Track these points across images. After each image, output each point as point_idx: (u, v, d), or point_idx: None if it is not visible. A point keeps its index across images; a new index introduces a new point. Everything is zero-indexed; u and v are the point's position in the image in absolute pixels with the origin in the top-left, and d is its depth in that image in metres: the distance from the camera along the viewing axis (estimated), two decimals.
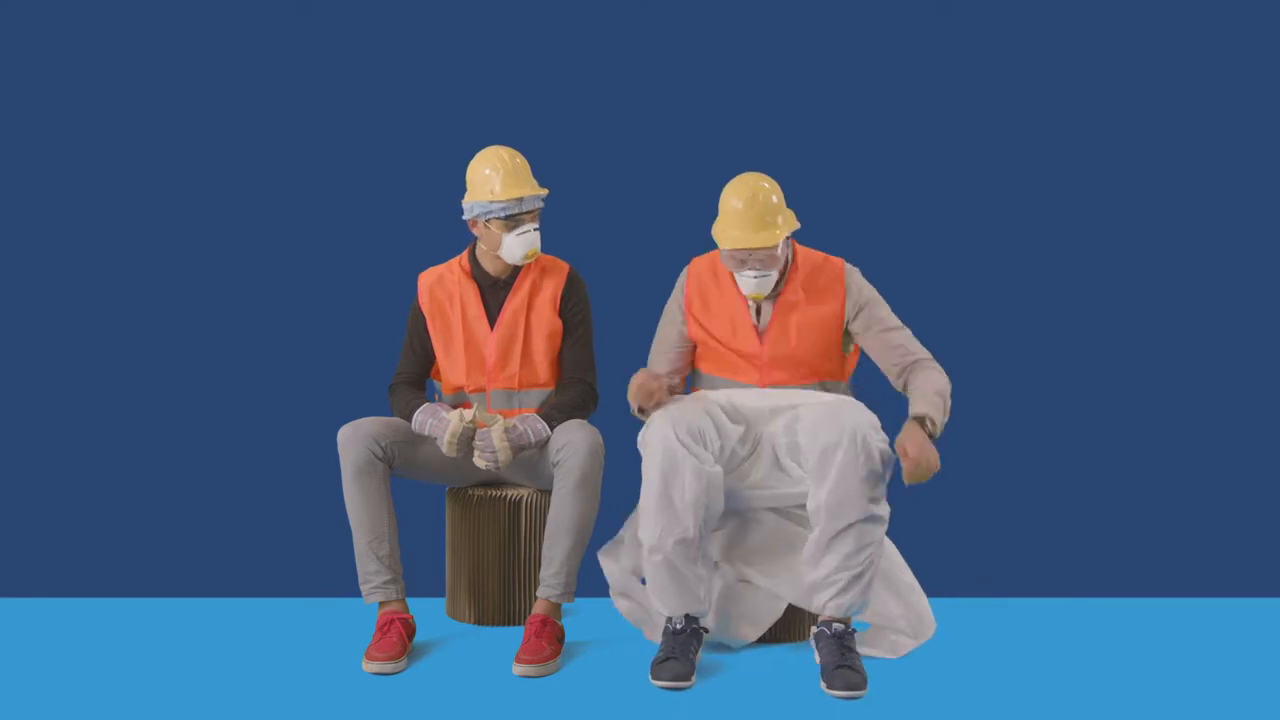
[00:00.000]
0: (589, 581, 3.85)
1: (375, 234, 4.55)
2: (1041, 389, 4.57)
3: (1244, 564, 4.41)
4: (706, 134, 4.62)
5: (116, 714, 3.28)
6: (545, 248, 3.95)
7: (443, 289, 3.94)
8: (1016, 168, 4.59)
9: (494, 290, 3.92)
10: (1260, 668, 3.62)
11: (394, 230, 4.49)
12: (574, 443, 3.69)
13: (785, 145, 4.53)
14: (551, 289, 3.92)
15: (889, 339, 3.75)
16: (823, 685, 3.42)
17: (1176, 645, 3.81)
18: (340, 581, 3.96)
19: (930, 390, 3.64)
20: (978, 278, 4.59)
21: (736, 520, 3.72)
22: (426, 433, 3.80)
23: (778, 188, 3.72)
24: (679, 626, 3.56)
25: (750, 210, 3.65)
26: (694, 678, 3.49)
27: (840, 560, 3.48)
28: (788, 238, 3.74)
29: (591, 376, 3.95)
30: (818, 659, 3.52)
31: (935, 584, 4.26)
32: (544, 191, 3.84)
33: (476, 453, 3.76)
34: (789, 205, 3.74)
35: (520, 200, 3.78)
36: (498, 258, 3.88)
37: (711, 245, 3.81)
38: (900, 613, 3.71)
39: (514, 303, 3.90)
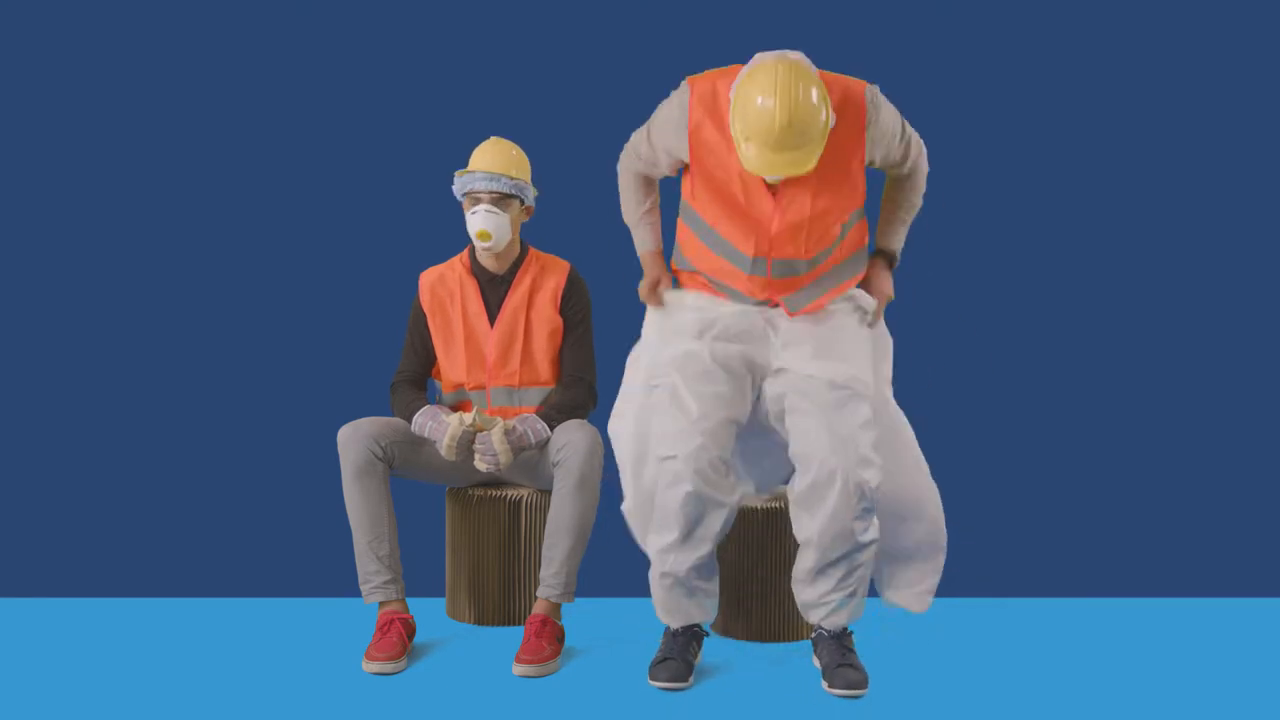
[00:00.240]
0: (589, 581, 3.85)
1: (376, 234, 4.54)
2: (1041, 389, 4.57)
3: (1244, 564, 4.41)
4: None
5: (116, 714, 3.28)
6: (544, 246, 3.96)
7: (443, 286, 3.95)
8: (1018, 168, 4.59)
9: (494, 287, 3.93)
10: (1260, 668, 3.62)
11: (395, 230, 4.49)
12: (573, 443, 3.69)
13: None
14: (552, 287, 3.93)
15: (893, 146, 3.43)
16: (824, 684, 3.42)
17: (1176, 645, 3.81)
18: (340, 581, 3.95)
19: (906, 214, 3.56)
20: (977, 278, 4.59)
21: None
22: (426, 435, 3.81)
23: (817, 79, 3.14)
24: (678, 629, 3.56)
25: (790, 129, 3.06)
26: (692, 678, 3.49)
27: (833, 585, 3.46)
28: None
29: (591, 375, 3.95)
30: (817, 662, 3.53)
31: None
32: (498, 172, 3.81)
33: (477, 456, 3.77)
34: None
35: (472, 176, 3.81)
36: (487, 249, 3.89)
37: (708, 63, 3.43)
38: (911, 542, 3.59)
39: (514, 300, 3.91)
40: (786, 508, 3.80)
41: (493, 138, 3.91)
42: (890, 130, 3.39)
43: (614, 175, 3.72)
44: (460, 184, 3.84)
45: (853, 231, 3.47)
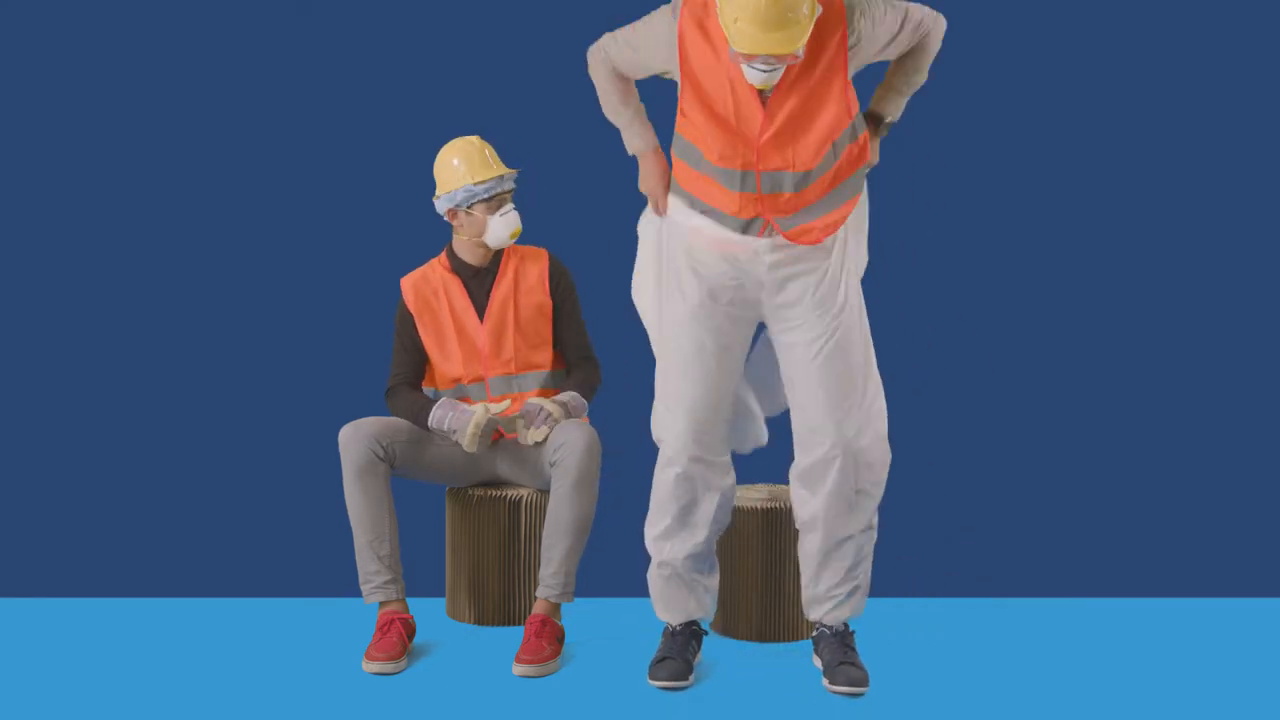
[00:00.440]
0: (589, 581, 3.85)
1: (376, 233, 4.54)
2: (1041, 388, 4.57)
3: (1244, 564, 4.41)
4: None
5: (116, 714, 3.28)
6: (523, 238, 3.99)
7: (427, 285, 3.96)
8: (1016, 166, 4.59)
9: (477, 280, 3.94)
10: (1260, 668, 3.62)
11: (396, 229, 4.48)
12: (571, 442, 3.69)
13: None
14: (536, 274, 3.96)
15: (890, 44, 3.32)
16: (825, 683, 3.42)
17: (1176, 645, 3.81)
18: (340, 581, 3.96)
19: (904, 85, 3.41)
20: (977, 276, 4.59)
21: None
22: (446, 426, 3.80)
23: None
24: (678, 628, 3.56)
25: (776, 4, 3.00)
26: (692, 677, 3.48)
27: (839, 577, 3.46)
28: None
29: (593, 351, 4.03)
30: (818, 662, 3.53)
31: (935, 584, 4.28)
32: (516, 170, 3.91)
33: (525, 432, 3.79)
34: None
35: (501, 179, 3.85)
36: (479, 245, 3.90)
37: None
38: None
39: (500, 290, 3.92)
40: (786, 508, 3.81)
41: (467, 140, 3.91)
42: (880, 33, 3.27)
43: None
44: (485, 189, 3.83)
45: (845, 153, 3.37)
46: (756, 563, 3.83)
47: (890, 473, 3.51)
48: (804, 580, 3.52)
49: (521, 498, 3.95)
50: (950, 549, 4.41)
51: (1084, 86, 4.59)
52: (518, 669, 3.55)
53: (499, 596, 3.97)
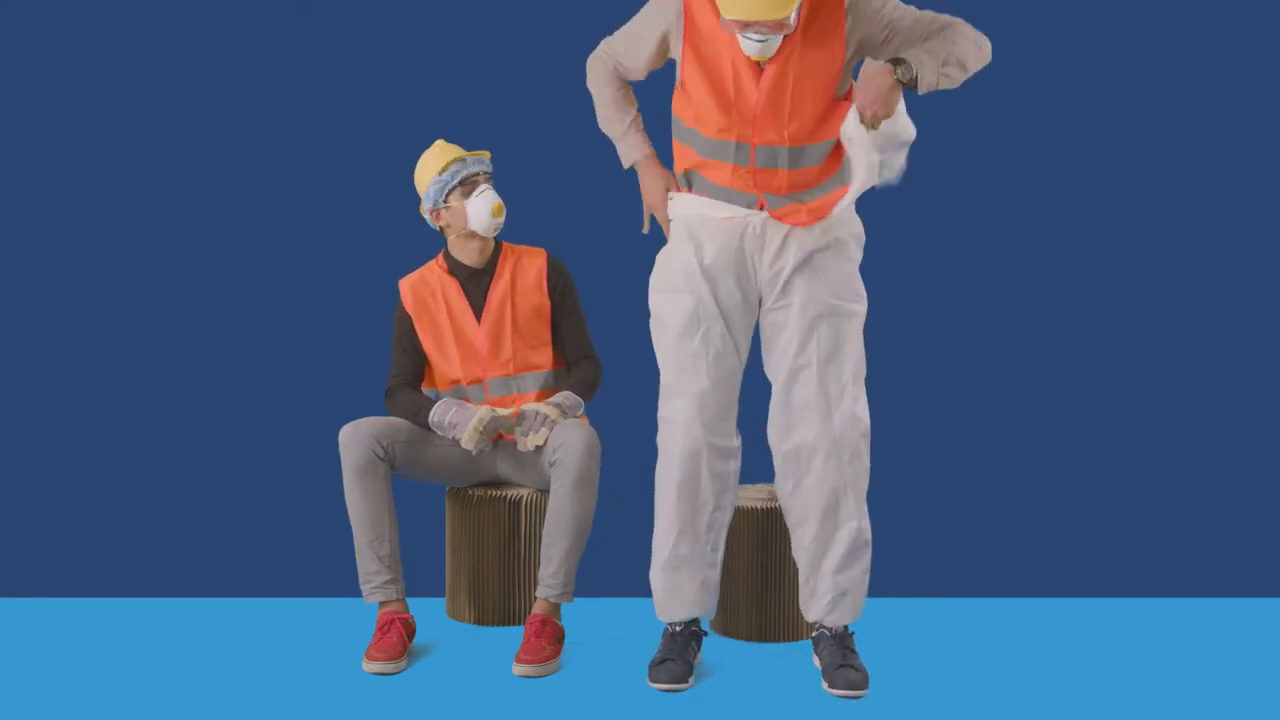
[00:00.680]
0: (589, 581, 3.85)
1: (376, 234, 4.54)
2: (1041, 388, 4.57)
3: (1244, 564, 4.41)
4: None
5: (116, 714, 3.28)
6: (519, 238, 3.99)
7: (425, 287, 3.96)
8: (1015, 165, 4.59)
9: (475, 281, 3.94)
10: (1260, 668, 3.62)
11: (395, 231, 4.48)
12: (570, 442, 3.69)
13: None
14: (534, 274, 3.95)
15: (903, 35, 3.32)
16: (824, 685, 3.42)
17: (1176, 645, 3.81)
18: (340, 581, 3.96)
19: (942, 67, 3.26)
20: (977, 276, 4.59)
21: None
22: (448, 422, 3.80)
23: None
24: (678, 629, 3.56)
25: None
26: (692, 679, 3.48)
27: (831, 580, 3.46)
28: None
29: (593, 350, 4.01)
30: (817, 663, 3.53)
31: (935, 584, 4.28)
32: (484, 154, 3.91)
33: (523, 439, 3.78)
34: None
35: (464, 161, 3.86)
36: (471, 237, 3.90)
37: None
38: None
39: (498, 291, 3.92)
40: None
41: (434, 143, 3.95)
42: (884, 12, 3.30)
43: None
44: (450, 174, 3.85)
45: (839, 146, 3.40)
46: (755, 563, 3.83)
47: (891, 473, 3.51)
48: (803, 574, 3.52)
49: (521, 498, 3.95)
50: (950, 549, 4.42)
51: (1083, 87, 4.59)
52: (518, 669, 3.55)
53: (499, 596, 3.97)
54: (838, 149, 3.42)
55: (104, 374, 4.55)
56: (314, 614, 4.08)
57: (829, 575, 3.46)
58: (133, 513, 4.50)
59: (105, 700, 3.36)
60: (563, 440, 3.71)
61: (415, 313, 3.95)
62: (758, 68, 3.30)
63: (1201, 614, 4.10)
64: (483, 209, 3.86)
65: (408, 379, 3.97)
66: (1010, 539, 4.46)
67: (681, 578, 3.53)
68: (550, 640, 3.62)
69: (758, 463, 3.83)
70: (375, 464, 3.75)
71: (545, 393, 3.94)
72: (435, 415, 3.83)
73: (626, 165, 3.65)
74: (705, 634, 3.64)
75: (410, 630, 3.70)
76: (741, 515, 3.81)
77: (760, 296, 3.52)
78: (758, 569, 3.83)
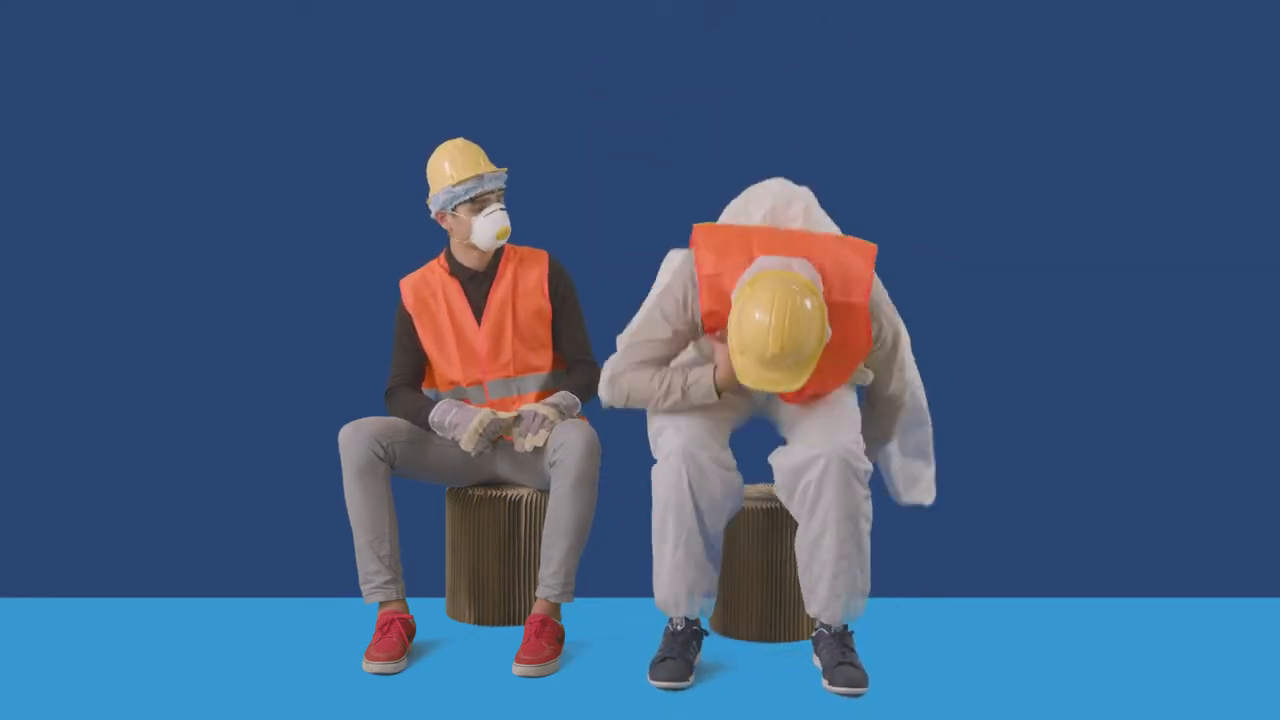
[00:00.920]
0: (589, 581, 3.85)
1: (376, 234, 4.54)
2: (1041, 388, 4.57)
3: (1244, 564, 4.41)
4: (679, 125, 4.62)
5: (116, 714, 3.28)
6: (523, 239, 3.98)
7: (426, 287, 3.95)
8: (1017, 166, 4.59)
9: (475, 283, 3.94)
10: (1260, 668, 3.62)
11: (395, 230, 4.48)
12: (570, 442, 3.69)
13: (761, 133, 4.54)
14: (535, 277, 3.94)
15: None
16: (824, 683, 3.43)
17: (1176, 645, 3.81)
18: (340, 581, 3.96)
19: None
20: (977, 277, 4.59)
21: None
22: (448, 423, 3.80)
23: (817, 296, 3.26)
24: (679, 627, 3.56)
25: (783, 354, 3.19)
26: (692, 678, 3.49)
27: (829, 580, 3.46)
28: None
29: (592, 355, 4.00)
30: (817, 662, 3.53)
31: (935, 584, 4.28)
32: (502, 170, 3.87)
33: (521, 440, 3.77)
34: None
35: (480, 178, 3.82)
36: (472, 248, 3.89)
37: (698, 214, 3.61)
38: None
39: (498, 293, 3.92)
40: (786, 509, 3.81)
41: (453, 142, 3.89)
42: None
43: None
44: (465, 189, 3.81)
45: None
46: (757, 563, 3.83)
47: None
48: (801, 564, 3.51)
49: (521, 498, 3.95)
50: (950, 549, 4.42)
51: (1082, 89, 4.59)
52: (518, 669, 3.54)
53: (499, 596, 3.97)
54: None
55: (104, 374, 4.55)
56: (314, 614, 4.08)
57: (829, 568, 3.46)
58: (133, 513, 4.50)
59: (105, 700, 3.36)
60: (563, 440, 3.71)
61: (416, 312, 3.95)
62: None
63: (1201, 614, 4.10)
64: (489, 229, 3.84)
65: (408, 379, 3.97)
66: (1010, 539, 4.46)
67: (690, 568, 3.53)
68: (550, 640, 3.62)
69: (758, 464, 3.83)
70: (375, 464, 3.75)
71: (545, 394, 3.94)
72: (435, 416, 3.83)
73: (717, 390, 3.49)
74: (706, 633, 3.64)
75: (410, 630, 3.70)
76: (742, 515, 3.81)
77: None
78: (759, 569, 3.83)
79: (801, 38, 4.63)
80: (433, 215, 3.90)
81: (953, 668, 3.60)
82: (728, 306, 3.37)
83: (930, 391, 4.46)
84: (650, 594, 3.59)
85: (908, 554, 4.10)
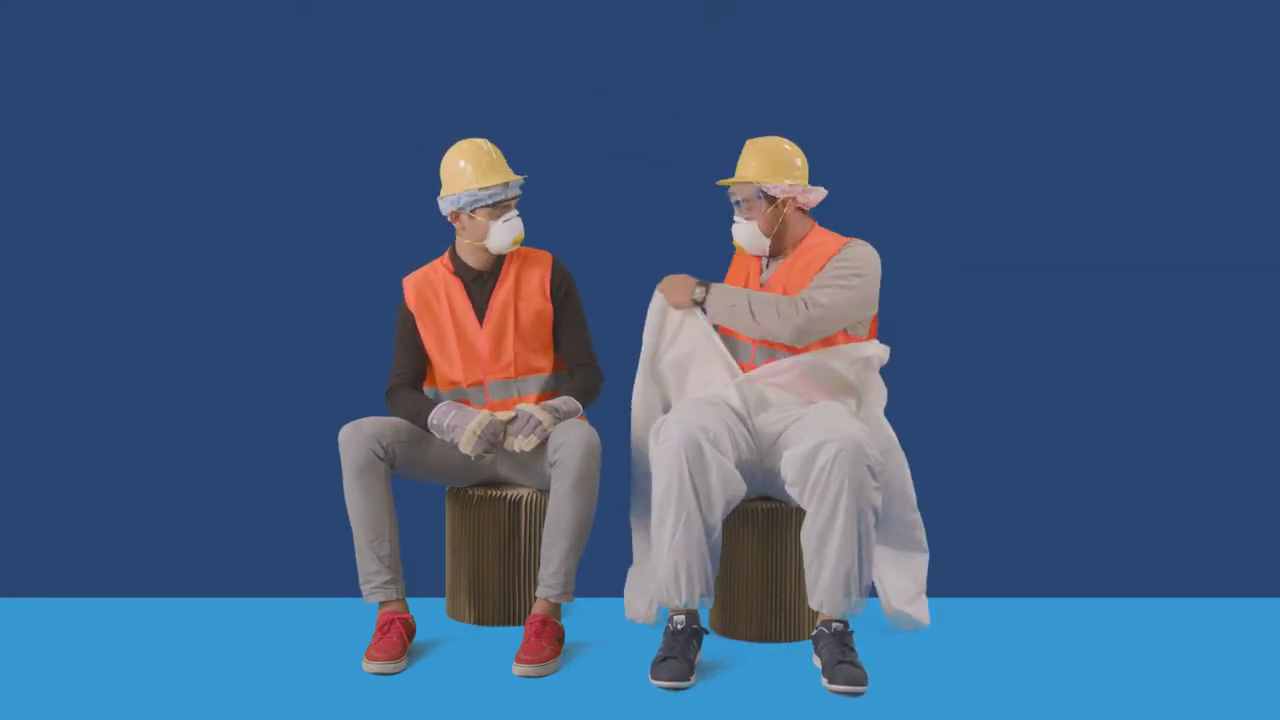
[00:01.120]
0: (589, 581, 3.85)
1: (378, 233, 4.55)
2: (1040, 389, 4.57)
3: (1244, 564, 4.41)
4: (679, 125, 4.62)
5: (116, 714, 3.28)
6: (524, 240, 3.97)
7: (429, 287, 3.95)
8: (1018, 166, 4.59)
9: (479, 284, 3.94)
10: (1260, 668, 3.62)
11: (397, 229, 4.49)
12: (570, 443, 3.69)
13: (761, 133, 4.53)
14: (538, 278, 3.94)
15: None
16: (824, 682, 3.43)
17: (1176, 645, 3.81)
18: (340, 581, 3.96)
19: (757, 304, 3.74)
20: (976, 277, 4.59)
21: None
22: (447, 425, 3.80)
23: (799, 152, 3.83)
24: (679, 626, 3.56)
25: (747, 148, 3.80)
26: (693, 677, 3.49)
27: (833, 567, 3.47)
28: (778, 204, 3.76)
29: (594, 359, 4.00)
30: (817, 662, 3.53)
31: (935, 584, 4.27)
32: (523, 177, 3.87)
33: (513, 439, 3.77)
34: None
35: (506, 185, 3.82)
36: (481, 250, 3.89)
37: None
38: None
39: (501, 294, 3.92)
40: (786, 508, 3.81)
41: (475, 143, 3.86)
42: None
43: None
44: (490, 195, 3.80)
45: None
46: (757, 563, 3.83)
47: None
48: (808, 559, 3.53)
49: (521, 498, 3.95)
50: (950, 549, 4.41)
51: (1081, 90, 4.59)
52: (518, 669, 3.55)
53: (499, 596, 3.97)
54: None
55: (104, 374, 4.55)
56: (314, 614, 4.08)
57: (834, 555, 3.46)
58: (133, 513, 4.50)
59: (105, 700, 3.36)
60: (563, 440, 3.71)
61: (418, 311, 3.94)
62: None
63: (1201, 614, 4.10)
64: (506, 236, 3.84)
65: (409, 379, 3.97)
66: (1012, 539, 4.46)
67: (685, 555, 3.54)
68: (550, 640, 3.62)
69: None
70: (375, 464, 3.75)
71: (545, 395, 3.93)
72: (434, 418, 3.82)
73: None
74: (706, 632, 3.64)
75: (410, 630, 3.70)
76: (742, 516, 3.81)
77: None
78: (759, 569, 3.83)
79: (801, 38, 4.63)
80: (444, 213, 3.89)
81: (953, 668, 3.60)
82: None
83: (930, 391, 4.47)
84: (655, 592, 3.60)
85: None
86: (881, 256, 3.78)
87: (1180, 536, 4.48)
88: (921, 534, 3.88)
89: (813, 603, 3.54)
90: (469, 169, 3.83)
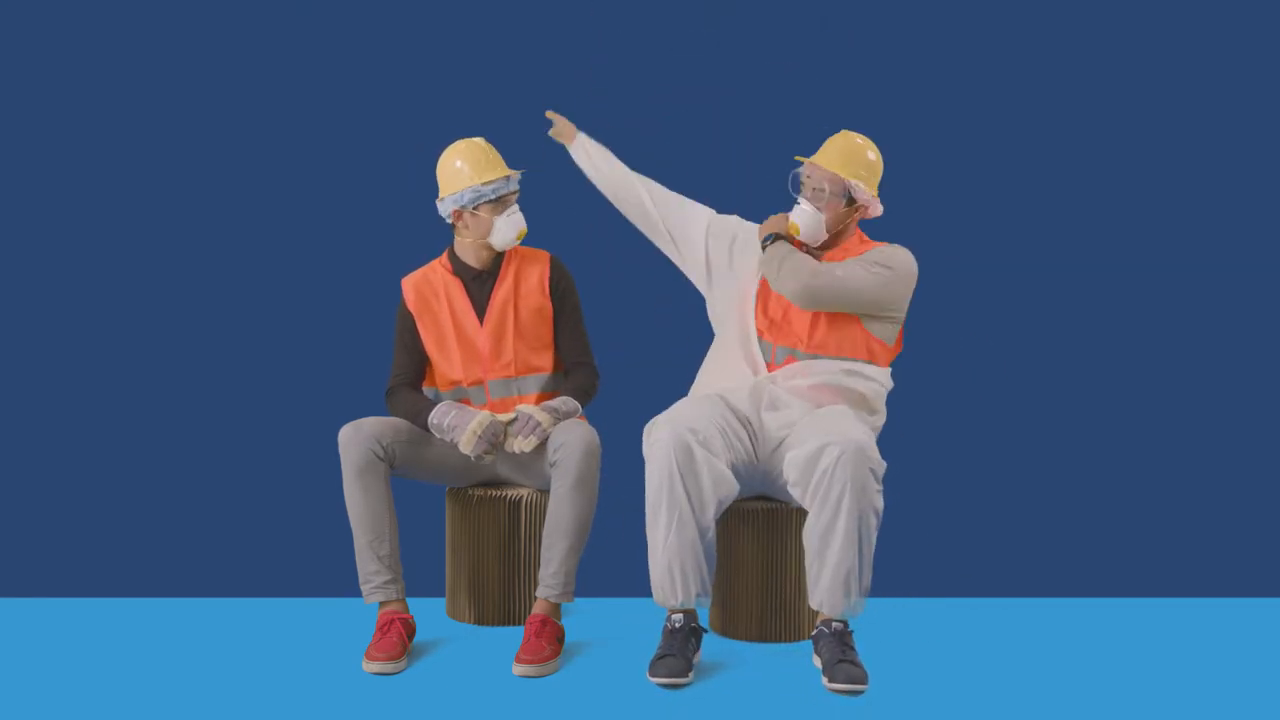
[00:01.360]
0: (589, 581, 3.85)
1: (377, 233, 4.55)
2: (1041, 388, 4.57)
3: (1244, 564, 4.41)
4: (679, 125, 4.62)
5: (116, 714, 3.28)
6: (523, 240, 3.97)
7: (428, 287, 3.95)
8: (1015, 166, 4.59)
9: (478, 283, 3.93)
10: (1260, 668, 3.62)
11: (397, 229, 4.49)
12: (570, 443, 3.69)
13: (761, 133, 4.54)
14: (537, 276, 3.94)
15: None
16: (824, 681, 3.43)
17: (1176, 645, 3.81)
18: (340, 581, 3.96)
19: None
20: (976, 278, 4.59)
21: None
22: (447, 425, 3.80)
23: (881, 161, 3.80)
24: (677, 625, 3.56)
25: (842, 140, 3.74)
26: (692, 674, 3.49)
27: (834, 567, 3.47)
28: (851, 207, 3.76)
29: (591, 358, 4.00)
30: (817, 662, 3.53)
31: (936, 584, 4.29)
32: (521, 172, 3.88)
33: (512, 440, 3.77)
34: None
35: (507, 179, 3.82)
36: (482, 248, 3.89)
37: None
38: None
39: (500, 293, 3.91)
40: (786, 508, 3.81)
41: (471, 142, 3.86)
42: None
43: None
44: (492, 189, 3.80)
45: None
46: (756, 563, 3.83)
47: (891, 474, 3.52)
48: (809, 559, 3.53)
49: (521, 498, 3.95)
50: (950, 549, 4.42)
51: (1081, 91, 4.59)
52: (518, 669, 3.54)
53: (499, 596, 3.97)
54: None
55: (104, 374, 4.55)
56: (314, 614, 4.08)
57: (835, 555, 3.46)
58: (133, 513, 4.50)
59: (105, 700, 3.36)
60: (563, 440, 3.71)
61: (417, 311, 3.94)
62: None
63: (1201, 614, 4.10)
64: (509, 231, 3.85)
65: (409, 379, 3.97)
66: (1010, 539, 4.46)
67: (685, 559, 3.54)
68: (550, 640, 3.62)
69: None
70: (375, 464, 3.75)
71: (545, 395, 3.93)
72: (435, 418, 3.82)
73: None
74: (705, 631, 3.64)
75: (410, 630, 3.70)
76: (742, 516, 3.81)
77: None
78: (758, 569, 3.83)
79: (801, 38, 4.63)
80: (444, 214, 3.88)
81: (953, 668, 3.60)
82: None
83: (931, 391, 4.47)
84: (650, 593, 3.60)
85: (908, 554, 4.09)
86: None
87: (1180, 536, 4.48)
88: None
89: (813, 602, 3.54)
90: (467, 167, 3.83)
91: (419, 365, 3.98)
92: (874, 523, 3.47)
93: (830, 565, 3.48)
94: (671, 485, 3.51)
